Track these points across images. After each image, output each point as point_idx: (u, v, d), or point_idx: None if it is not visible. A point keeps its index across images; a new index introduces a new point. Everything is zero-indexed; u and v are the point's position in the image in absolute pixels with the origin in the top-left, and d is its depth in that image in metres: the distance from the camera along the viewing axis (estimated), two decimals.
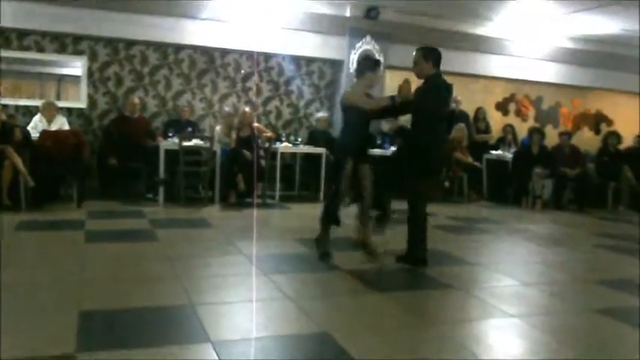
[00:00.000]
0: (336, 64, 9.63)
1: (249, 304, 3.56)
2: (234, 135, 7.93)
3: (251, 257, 4.69)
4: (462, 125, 9.10)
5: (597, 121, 12.05)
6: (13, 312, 3.17)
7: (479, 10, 9.05)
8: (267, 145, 7.99)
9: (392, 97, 4.64)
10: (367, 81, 4.77)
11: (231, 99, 9.18)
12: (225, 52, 9.04)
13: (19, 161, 6.34)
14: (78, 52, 8.34)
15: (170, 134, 7.85)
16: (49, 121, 7.45)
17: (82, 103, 8.41)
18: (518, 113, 11.27)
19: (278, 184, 8.15)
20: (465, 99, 9.93)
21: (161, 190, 7.43)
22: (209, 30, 8.53)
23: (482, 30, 9.95)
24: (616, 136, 9.90)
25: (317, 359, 2.88)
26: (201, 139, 7.72)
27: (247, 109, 8.22)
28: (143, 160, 7.51)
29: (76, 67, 8.42)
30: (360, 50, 9.34)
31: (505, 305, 3.85)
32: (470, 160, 9.15)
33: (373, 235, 4.71)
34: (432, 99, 4.51)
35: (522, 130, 10.52)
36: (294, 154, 8.89)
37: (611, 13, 8.65)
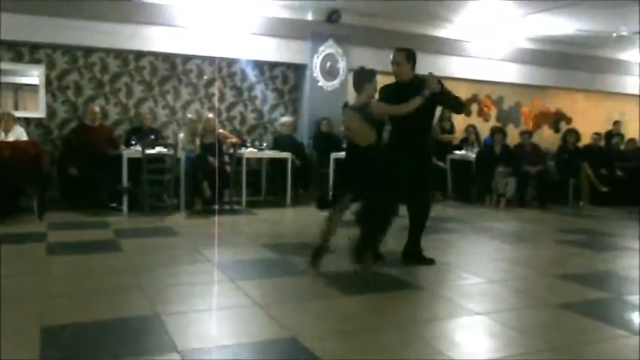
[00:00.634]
0: (299, 69, 9.64)
1: (216, 312, 3.52)
2: (198, 142, 7.87)
3: (218, 264, 4.65)
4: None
5: (557, 119, 12.33)
6: None
7: (439, 12, 9.17)
8: (231, 150, 7.95)
9: (422, 94, 4.54)
10: (368, 92, 4.67)
11: (194, 105, 9.09)
12: (187, 59, 8.96)
13: None
14: (35, 61, 8.15)
15: (133, 142, 7.74)
16: (7, 132, 7.26)
17: (40, 113, 8.22)
18: (481, 113, 11.45)
19: (244, 190, 8.10)
20: None
21: (125, 199, 7.31)
22: (170, 36, 8.44)
23: (443, 32, 10.09)
24: (575, 134, 10.14)
25: None
26: (165, 146, 7.63)
27: (211, 115, 8.16)
28: (105, 169, 7.38)
29: (33, 76, 8.22)
30: (324, 54, 9.37)
31: (472, 303, 3.90)
32: (434, 160, 9.24)
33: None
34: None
35: (485, 130, 10.69)
36: (259, 160, 8.85)
37: (567, 14, 8.87)
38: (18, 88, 8.37)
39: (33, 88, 8.24)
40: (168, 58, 8.85)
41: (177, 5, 8.37)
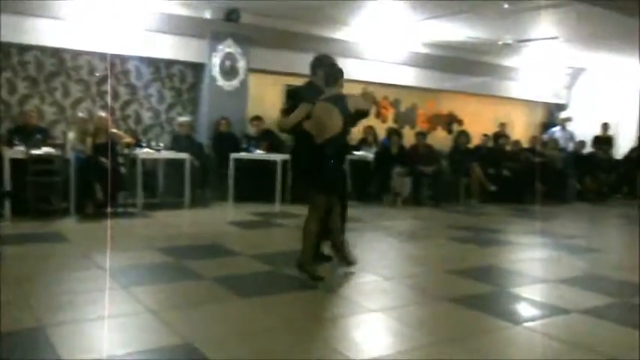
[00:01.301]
0: (197, 68, 9.44)
1: (107, 321, 3.36)
2: (89, 142, 7.47)
3: (109, 270, 4.44)
4: None
5: (449, 121, 12.88)
6: None
7: (335, 14, 9.30)
8: (126, 151, 7.63)
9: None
10: (340, 87, 4.57)
11: (85, 103, 8.64)
12: (76, 54, 8.49)
13: None
14: None
15: (16, 142, 7.23)
16: None
17: None
18: (378, 115, 11.75)
19: (140, 192, 7.79)
20: None
21: (7, 203, 6.81)
22: (57, 30, 7.96)
23: (340, 34, 10.23)
24: (466, 135, 10.66)
25: None
26: (53, 146, 7.19)
27: (103, 113, 7.78)
28: None
29: None
30: (223, 53, 9.23)
31: (368, 301, 3.99)
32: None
33: None
34: None
35: (382, 131, 10.98)
36: (156, 160, 8.56)
37: (458, 21, 9.29)
38: None
39: None
40: (55, 52, 8.35)
41: None
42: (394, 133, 9.92)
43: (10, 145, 7.23)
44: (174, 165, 8.36)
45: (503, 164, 10.55)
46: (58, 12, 7.89)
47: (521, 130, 13.70)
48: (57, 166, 7.04)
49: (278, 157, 8.58)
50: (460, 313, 3.78)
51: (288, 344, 3.12)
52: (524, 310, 3.99)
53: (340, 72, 4.65)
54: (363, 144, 10.29)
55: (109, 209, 7.19)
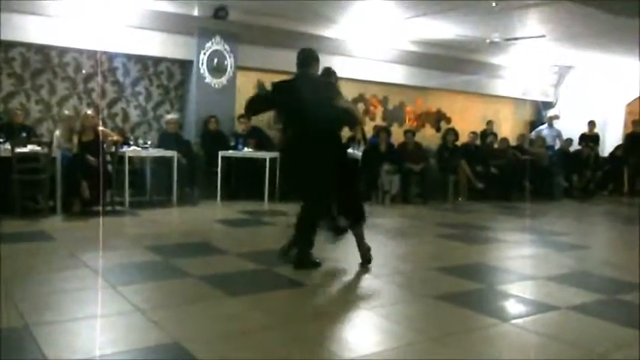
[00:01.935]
0: (185, 65, 9.39)
1: (94, 320, 3.32)
2: (75, 140, 7.40)
3: (97, 269, 4.40)
4: None
5: (437, 119, 12.93)
6: None
7: (323, 11, 9.29)
8: (113, 149, 7.57)
9: None
10: None
11: (71, 101, 8.58)
12: (63, 51, 8.42)
13: None
14: None
15: (1, 140, 7.15)
16: None
17: None
18: (367, 112, 11.76)
19: (127, 190, 7.74)
20: None
21: None
22: (43, 26, 7.89)
23: (328, 32, 10.23)
24: (453, 133, 10.70)
25: None
26: (38, 144, 7.11)
27: (90, 111, 7.71)
28: None
29: None
30: (211, 51, 9.19)
31: (356, 298, 4.00)
32: None
33: None
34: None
35: (370, 128, 10.99)
36: (144, 158, 8.50)
37: (446, 19, 9.32)
38: None
39: None
40: (41, 49, 8.27)
41: None
42: (383, 131, 9.94)
43: None
44: (162, 163, 8.32)
45: (491, 162, 10.60)
46: (44, 9, 7.83)
47: (508, 127, 13.79)
48: (43, 165, 6.97)
49: (266, 155, 8.56)
50: (448, 311, 3.79)
51: (277, 342, 3.11)
52: (512, 307, 4.00)
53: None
54: (351, 142, 10.27)
55: (96, 208, 7.14)
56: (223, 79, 9.36)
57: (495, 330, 3.46)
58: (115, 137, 7.74)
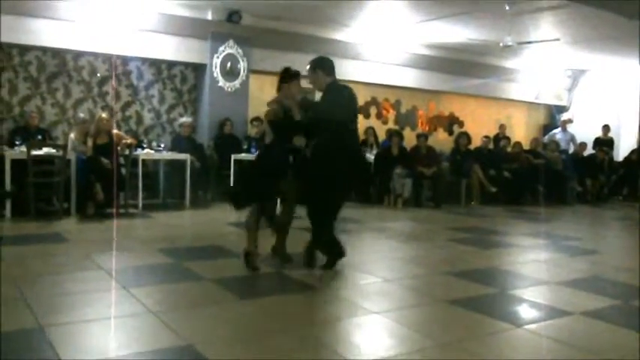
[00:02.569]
0: (198, 69, 9.45)
1: (107, 321, 3.36)
2: (90, 142, 7.47)
3: (110, 271, 4.44)
4: None
5: (450, 122, 12.90)
6: None
7: (336, 15, 9.31)
8: (127, 152, 7.63)
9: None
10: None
11: (86, 104, 8.67)
12: (78, 55, 8.51)
13: None
14: None
15: (17, 142, 7.24)
16: None
17: None
18: (379, 116, 11.76)
19: (140, 193, 7.80)
20: None
21: (8, 203, 6.82)
22: (59, 30, 7.98)
23: (341, 35, 10.25)
24: (466, 137, 10.67)
25: None
26: (54, 147, 7.19)
27: (104, 114, 7.78)
28: None
29: None
30: (224, 54, 9.24)
31: (367, 302, 3.98)
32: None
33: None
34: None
35: (383, 132, 10.99)
36: (157, 161, 8.56)
37: (459, 23, 9.31)
38: None
39: None
40: (57, 53, 8.36)
41: None
42: (395, 134, 9.93)
43: (11, 145, 7.24)
44: (175, 166, 8.37)
45: (504, 166, 10.55)
46: (59, 13, 7.92)
47: (522, 131, 13.72)
48: (58, 167, 7.05)
49: None
50: (460, 316, 3.77)
51: (288, 346, 3.12)
52: (525, 312, 3.98)
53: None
54: (363, 145, 10.28)
55: (109, 210, 7.20)
56: (236, 83, 9.41)
57: (508, 335, 3.44)
58: (129, 140, 7.80)
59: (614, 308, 4.07)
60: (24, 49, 8.11)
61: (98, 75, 8.75)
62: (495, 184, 10.14)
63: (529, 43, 10.00)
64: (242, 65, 9.41)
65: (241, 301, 3.90)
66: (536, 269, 5.29)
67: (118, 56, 8.71)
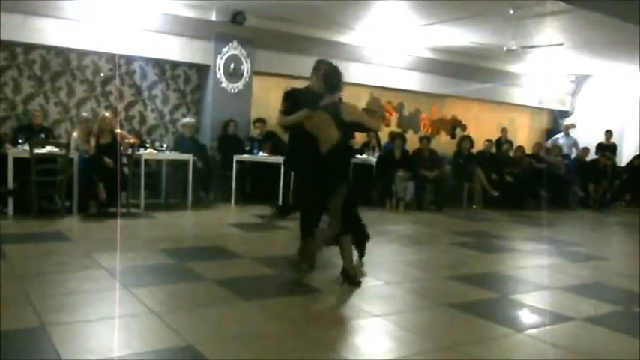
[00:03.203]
0: (202, 69, 9.46)
1: (108, 321, 3.36)
2: (93, 142, 7.47)
3: (112, 270, 4.44)
4: None
5: (453, 126, 12.89)
6: None
7: (340, 18, 9.31)
8: (130, 151, 7.64)
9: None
10: (337, 94, 4.51)
11: (89, 103, 8.68)
12: (82, 54, 8.52)
13: None
14: None
15: (20, 141, 7.24)
16: None
17: None
18: (382, 119, 11.75)
19: (143, 193, 7.80)
20: None
21: (10, 201, 6.83)
22: (63, 29, 7.98)
23: (345, 38, 10.25)
24: (469, 140, 10.66)
25: None
26: (56, 145, 7.20)
27: (107, 114, 7.78)
28: None
29: None
30: (228, 55, 9.24)
31: (369, 305, 3.98)
32: None
33: None
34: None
35: (385, 135, 10.98)
36: (159, 161, 8.57)
37: (462, 26, 9.31)
38: None
39: None
40: (61, 52, 8.38)
41: None
42: (398, 137, 9.92)
43: (15, 144, 7.25)
44: (178, 166, 8.38)
45: (506, 170, 10.54)
46: (63, 12, 7.93)
47: (524, 136, 13.71)
48: (60, 166, 7.05)
49: (281, 160, 8.58)
50: (462, 320, 3.77)
51: (290, 347, 3.12)
52: (526, 317, 3.98)
53: (337, 79, 4.49)
54: (365, 148, 10.29)
55: (111, 209, 7.20)
56: (239, 84, 9.42)
57: (509, 340, 3.44)
58: (132, 140, 7.81)
59: (615, 314, 4.07)
60: (28, 47, 8.12)
61: (102, 74, 8.76)
62: (497, 189, 10.13)
63: (532, 47, 10.00)
64: (245, 66, 9.42)
65: (243, 302, 3.90)
66: (538, 274, 5.29)
67: (122, 56, 8.71)
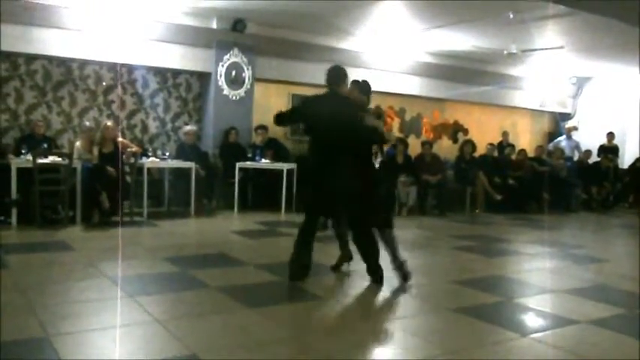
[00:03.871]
0: (203, 77, 9.48)
1: (112, 331, 3.35)
2: (95, 151, 7.49)
3: (115, 279, 4.44)
4: None
5: (455, 130, 12.88)
6: None
7: (340, 24, 9.32)
8: (132, 160, 7.65)
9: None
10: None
11: (92, 113, 8.70)
12: (83, 64, 8.55)
13: None
14: None
15: (23, 151, 7.27)
16: None
17: None
18: (384, 124, 11.74)
19: (145, 201, 7.81)
20: None
21: (13, 211, 6.84)
22: (64, 39, 8.01)
23: (345, 44, 10.25)
24: (471, 144, 10.65)
25: None
26: (59, 155, 7.22)
27: (109, 123, 7.80)
28: None
29: None
30: (229, 63, 9.26)
31: (374, 311, 3.98)
32: None
33: None
34: None
35: None
36: (162, 169, 8.58)
37: (463, 31, 9.32)
38: None
39: None
40: (63, 62, 8.41)
41: (72, 7, 7.94)
42: (400, 142, 9.92)
43: (17, 153, 7.28)
44: (180, 174, 8.39)
45: (509, 173, 10.53)
46: (65, 22, 7.95)
47: (526, 139, 13.70)
48: (63, 175, 7.07)
49: (283, 166, 8.60)
50: (466, 324, 3.77)
51: (294, 354, 3.12)
52: (531, 320, 3.97)
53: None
54: None
55: (114, 218, 7.21)
56: (241, 91, 9.43)
57: (514, 344, 3.42)
58: (134, 148, 7.83)
59: (620, 317, 4.05)
60: (30, 58, 8.14)
61: (103, 83, 8.78)
62: (500, 192, 10.11)
63: (533, 50, 10.01)
64: (247, 74, 9.43)
65: (247, 309, 3.90)
66: (542, 277, 5.28)
67: (124, 65, 8.73)
